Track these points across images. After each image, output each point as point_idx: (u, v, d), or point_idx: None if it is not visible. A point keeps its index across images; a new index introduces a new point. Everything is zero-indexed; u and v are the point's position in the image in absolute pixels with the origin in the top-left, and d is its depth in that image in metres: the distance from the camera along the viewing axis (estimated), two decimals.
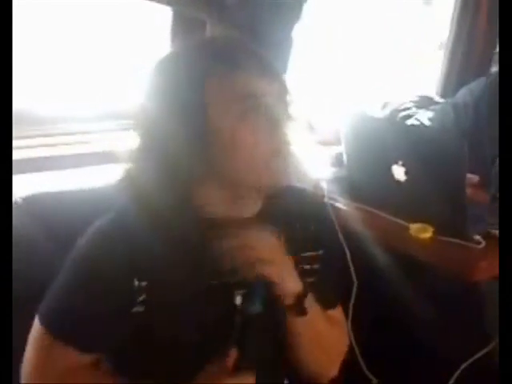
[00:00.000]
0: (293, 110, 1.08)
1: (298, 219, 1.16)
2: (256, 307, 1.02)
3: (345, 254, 1.54)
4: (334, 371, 1.22)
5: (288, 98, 1.07)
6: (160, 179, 1.02)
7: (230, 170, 1.02)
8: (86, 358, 1.04)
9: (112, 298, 1.01)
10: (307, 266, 1.16)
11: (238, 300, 1.04)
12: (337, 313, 1.25)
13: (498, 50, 2.41)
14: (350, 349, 1.57)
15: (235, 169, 1.02)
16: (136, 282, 1.02)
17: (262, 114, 1.00)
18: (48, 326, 1.02)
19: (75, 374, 1.03)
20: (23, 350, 1.06)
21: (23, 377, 1.04)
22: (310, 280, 1.15)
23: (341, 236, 1.53)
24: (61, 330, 1.02)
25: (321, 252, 1.18)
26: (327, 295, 1.21)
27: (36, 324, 1.04)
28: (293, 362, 1.15)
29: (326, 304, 1.21)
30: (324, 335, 1.16)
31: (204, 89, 1.00)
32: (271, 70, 1.04)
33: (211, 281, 1.04)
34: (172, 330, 1.03)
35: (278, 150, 1.01)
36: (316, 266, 1.18)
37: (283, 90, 1.05)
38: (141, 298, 1.02)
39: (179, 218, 1.03)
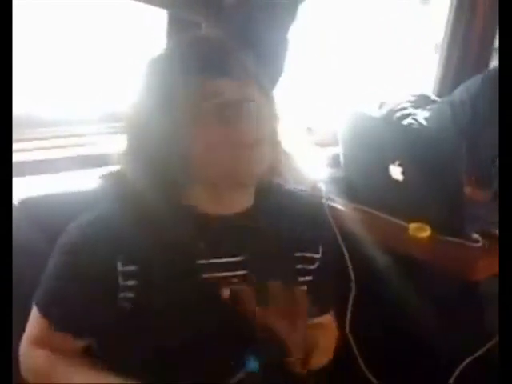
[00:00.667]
0: (272, 108, 1.10)
1: (295, 220, 1.17)
2: (254, 365, 1.02)
3: (343, 255, 1.54)
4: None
5: (264, 97, 1.08)
6: (148, 181, 1.05)
7: (205, 167, 1.04)
8: (80, 343, 1.08)
9: (97, 283, 1.04)
10: (299, 266, 1.18)
11: (225, 293, 1.04)
12: (327, 319, 1.27)
13: (495, 47, 2.42)
14: (350, 350, 1.58)
15: (208, 165, 1.04)
16: (120, 266, 1.04)
17: (229, 112, 1.02)
18: (45, 313, 1.07)
19: (69, 357, 1.07)
20: None
21: (21, 349, 1.09)
22: (303, 279, 1.17)
23: (339, 237, 1.53)
24: (55, 318, 1.07)
25: (316, 255, 1.19)
26: (323, 298, 1.22)
27: (34, 310, 1.08)
28: None
29: (322, 307, 1.23)
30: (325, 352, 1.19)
31: (176, 90, 1.03)
32: (242, 71, 1.06)
33: (200, 275, 1.06)
34: (160, 319, 1.04)
35: (250, 144, 1.03)
36: (310, 267, 1.19)
37: (256, 90, 1.07)
38: (130, 283, 1.04)
39: (168, 215, 1.05)
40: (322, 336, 1.15)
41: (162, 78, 1.06)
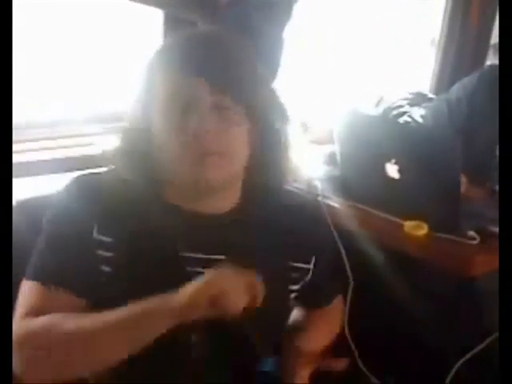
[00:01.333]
0: (255, 120, 1.06)
1: (290, 225, 1.14)
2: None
3: (339, 253, 1.54)
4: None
5: (246, 109, 1.04)
6: (132, 174, 1.06)
7: (171, 168, 1.04)
8: (83, 301, 1.04)
9: (77, 248, 1.04)
10: (291, 275, 1.16)
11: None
12: (332, 308, 1.28)
13: (492, 43, 2.43)
14: (349, 349, 1.59)
15: (173, 167, 1.04)
16: (95, 233, 1.04)
17: (194, 115, 1.00)
18: (36, 278, 1.04)
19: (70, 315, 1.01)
20: None
21: (16, 326, 1.01)
22: (295, 287, 1.17)
23: (336, 235, 1.53)
24: (49, 277, 1.03)
25: (308, 266, 1.18)
26: (320, 296, 1.24)
27: (28, 284, 1.04)
28: None
29: (320, 303, 1.25)
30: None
31: (155, 91, 1.04)
32: (223, 75, 1.02)
33: (175, 265, 1.05)
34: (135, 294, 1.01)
35: (213, 152, 1.01)
36: (302, 277, 1.18)
37: (235, 99, 1.03)
38: (107, 255, 1.04)
39: (149, 207, 1.06)
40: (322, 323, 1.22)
41: (146, 75, 1.06)
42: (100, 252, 1.04)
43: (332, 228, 1.45)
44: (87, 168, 1.38)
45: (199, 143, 1.00)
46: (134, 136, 1.07)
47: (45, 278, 1.03)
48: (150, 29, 1.72)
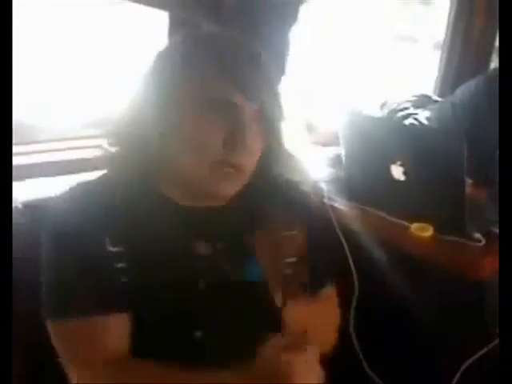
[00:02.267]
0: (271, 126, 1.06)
1: (281, 197, 1.16)
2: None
3: (346, 255, 1.54)
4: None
5: (269, 114, 1.04)
6: (130, 168, 1.06)
7: (182, 170, 1.04)
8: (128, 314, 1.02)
9: (97, 267, 1.01)
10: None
11: (201, 284, 1.05)
12: (328, 290, 1.24)
13: (495, 47, 2.43)
14: (353, 349, 1.58)
15: (186, 171, 1.03)
16: (108, 243, 1.01)
17: (242, 128, 1.00)
18: (58, 316, 1.01)
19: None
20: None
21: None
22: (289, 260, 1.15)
23: (342, 238, 1.54)
24: (80, 309, 1.00)
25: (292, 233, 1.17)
26: (314, 277, 1.20)
27: (52, 329, 1.02)
28: None
29: (315, 285, 1.20)
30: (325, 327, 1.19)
31: (173, 89, 1.02)
32: (248, 85, 1.02)
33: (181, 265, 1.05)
34: (150, 302, 1.02)
35: (231, 163, 1.01)
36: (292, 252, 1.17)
37: (259, 105, 1.03)
38: (120, 265, 1.02)
39: (147, 202, 1.05)
40: (318, 311, 1.16)
41: (166, 76, 1.04)
42: (111, 260, 1.02)
43: (337, 228, 1.46)
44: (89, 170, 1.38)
45: (230, 155, 1.00)
46: (136, 138, 1.05)
47: (75, 311, 0.99)
48: (154, 31, 1.72)
